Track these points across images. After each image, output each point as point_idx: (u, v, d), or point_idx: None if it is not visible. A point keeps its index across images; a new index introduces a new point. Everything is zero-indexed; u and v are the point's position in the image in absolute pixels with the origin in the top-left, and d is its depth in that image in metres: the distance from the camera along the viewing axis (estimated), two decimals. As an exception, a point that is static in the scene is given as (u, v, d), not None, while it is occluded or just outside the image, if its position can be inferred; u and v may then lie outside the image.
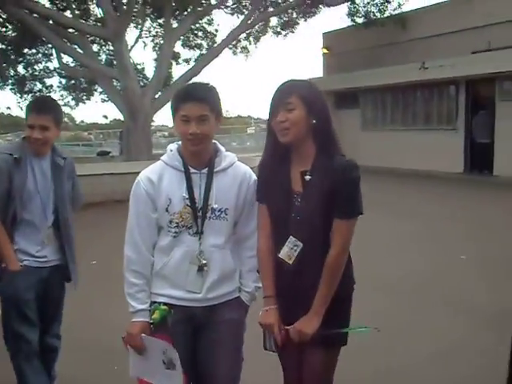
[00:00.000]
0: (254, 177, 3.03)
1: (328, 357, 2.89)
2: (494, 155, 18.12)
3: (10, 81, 25.92)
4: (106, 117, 55.30)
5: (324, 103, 2.85)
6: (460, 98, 19.62)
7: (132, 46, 23.09)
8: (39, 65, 26.16)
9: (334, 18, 62.00)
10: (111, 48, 23.57)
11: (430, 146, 19.65)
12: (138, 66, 26.02)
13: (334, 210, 2.73)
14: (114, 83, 21.61)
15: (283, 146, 2.83)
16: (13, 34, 23.65)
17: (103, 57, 25.66)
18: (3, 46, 24.20)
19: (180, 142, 2.99)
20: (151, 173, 2.97)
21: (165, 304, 2.93)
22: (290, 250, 2.80)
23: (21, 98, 26.81)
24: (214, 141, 3.02)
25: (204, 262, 2.89)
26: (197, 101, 2.81)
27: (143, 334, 2.89)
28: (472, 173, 18.94)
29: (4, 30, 23.58)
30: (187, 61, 26.29)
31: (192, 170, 2.93)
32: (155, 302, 2.95)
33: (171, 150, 3.02)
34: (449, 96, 20.24)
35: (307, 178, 2.80)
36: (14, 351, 3.84)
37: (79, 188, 4.18)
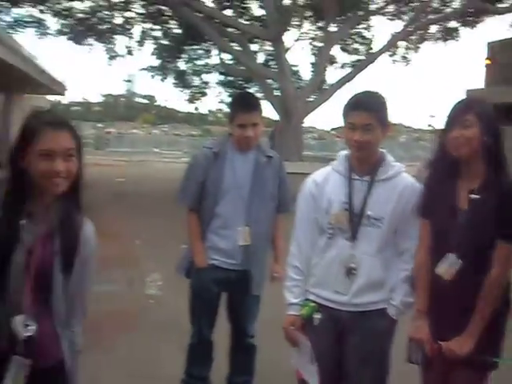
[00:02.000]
0: (417, 190, 3.00)
1: (475, 381, 2.87)
2: None
3: (171, 75, 27.44)
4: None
5: (498, 124, 2.88)
6: None
7: (288, 48, 23.47)
8: (199, 61, 27.59)
9: (500, 27, 59.28)
10: (267, 48, 24.56)
11: None
12: (293, 68, 25.93)
13: (498, 233, 2.73)
14: (269, 83, 22.07)
15: (452, 161, 2.85)
16: (175, 31, 25.14)
17: (260, 57, 26.33)
18: (167, 42, 25.78)
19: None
20: (318, 175, 3.16)
21: (314, 302, 3.06)
22: (448, 267, 2.80)
23: (181, 91, 28.43)
24: (382, 150, 3.09)
25: (353, 265, 2.95)
26: (363, 110, 2.90)
27: (292, 328, 3.07)
28: None
29: (168, 26, 25.06)
30: (343, 66, 26.50)
31: (355, 177, 3.02)
32: (307, 299, 3.09)
33: (340, 156, 3.14)
34: None
35: (474, 196, 2.80)
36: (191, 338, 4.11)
37: (287, 188, 4.12)
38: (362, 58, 24.88)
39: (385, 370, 3.09)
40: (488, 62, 25.12)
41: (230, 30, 22.22)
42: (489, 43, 25.77)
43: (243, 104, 3.94)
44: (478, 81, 26.82)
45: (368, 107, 2.90)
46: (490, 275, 2.73)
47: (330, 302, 3.03)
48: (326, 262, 3.04)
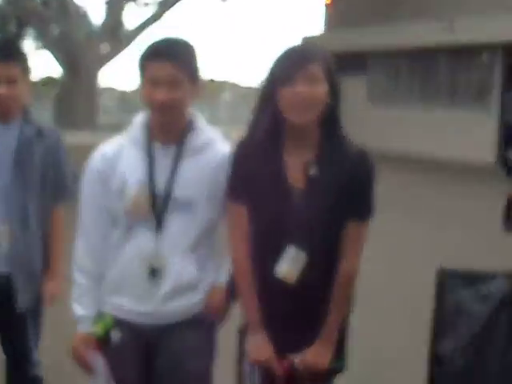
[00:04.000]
0: None
1: None
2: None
3: None
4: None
5: (339, 80, 2.81)
6: (496, 68, 19.75)
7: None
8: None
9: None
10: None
11: (454, 127, 19.77)
12: (82, 10, 24.40)
13: (347, 211, 2.75)
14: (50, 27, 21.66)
15: (280, 126, 2.76)
16: None
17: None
18: None
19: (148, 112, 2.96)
20: (108, 148, 2.98)
21: (110, 315, 2.98)
22: (291, 265, 2.75)
23: None
24: (193, 112, 3.00)
25: (158, 266, 2.89)
26: (167, 60, 2.76)
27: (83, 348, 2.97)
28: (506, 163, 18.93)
29: None
30: (146, 4, 25.49)
31: (157, 148, 2.90)
32: (101, 312, 2.99)
33: (136, 122, 2.99)
34: (481, 66, 20.35)
35: (312, 172, 2.76)
36: None
37: (66, 171, 3.88)
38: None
39: None
40: (328, 1, 26.18)
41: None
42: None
43: None
44: (316, 27, 27.89)
45: (173, 56, 2.77)
46: (341, 269, 2.77)
47: (130, 314, 2.95)
48: (124, 262, 2.93)
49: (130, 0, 24.59)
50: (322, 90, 2.68)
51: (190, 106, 2.94)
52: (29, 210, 3.71)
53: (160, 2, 24.11)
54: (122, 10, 22.23)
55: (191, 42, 2.92)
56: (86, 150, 3.64)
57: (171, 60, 2.76)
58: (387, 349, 5.55)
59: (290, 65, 2.69)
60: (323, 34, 25.87)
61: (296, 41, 19.71)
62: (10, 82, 3.53)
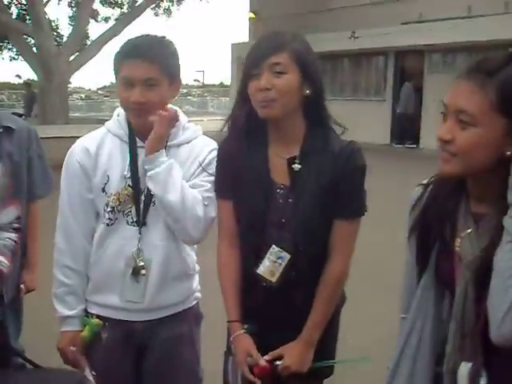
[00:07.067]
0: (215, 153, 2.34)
1: None
2: (420, 128, 18.42)
3: None
4: (19, 76, 52.73)
5: (319, 67, 2.20)
6: (389, 68, 19.91)
7: (47, 1, 22.22)
8: None
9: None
10: (24, 1, 22.79)
11: (358, 116, 19.75)
12: (53, 23, 24.66)
13: (334, 209, 2.14)
14: (27, 40, 20.57)
15: (260, 121, 2.16)
16: None
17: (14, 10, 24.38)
18: None
19: None
20: (89, 141, 2.38)
21: (98, 316, 2.39)
22: (272, 264, 2.17)
23: None
24: (174, 108, 2.37)
25: (142, 264, 2.29)
26: (143, 59, 2.20)
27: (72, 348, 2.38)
28: (398, 144, 19.11)
29: None
30: (106, 19, 25.50)
31: (139, 143, 2.32)
32: (87, 314, 2.41)
33: (118, 115, 2.39)
34: (378, 66, 20.50)
35: (296, 167, 2.15)
36: None
37: (40, 166, 3.04)
38: (126, 11, 24.12)
39: (195, 378, 2.52)
40: (252, 15, 25.85)
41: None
42: (251, -4, 26.46)
43: None
44: (243, 35, 27.55)
45: (150, 55, 2.20)
46: (328, 271, 2.18)
47: (121, 313, 2.37)
48: (108, 259, 2.33)
49: (93, 17, 24.08)
50: (286, 81, 2.06)
51: (167, 104, 2.31)
52: None
53: (118, 19, 23.49)
54: (87, 24, 21.52)
55: (171, 41, 2.36)
56: (62, 140, 3.12)
57: (148, 58, 2.20)
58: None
59: (256, 57, 2.11)
60: (249, 43, 25.60)
61: (226, 46, 19.18)
62: None
